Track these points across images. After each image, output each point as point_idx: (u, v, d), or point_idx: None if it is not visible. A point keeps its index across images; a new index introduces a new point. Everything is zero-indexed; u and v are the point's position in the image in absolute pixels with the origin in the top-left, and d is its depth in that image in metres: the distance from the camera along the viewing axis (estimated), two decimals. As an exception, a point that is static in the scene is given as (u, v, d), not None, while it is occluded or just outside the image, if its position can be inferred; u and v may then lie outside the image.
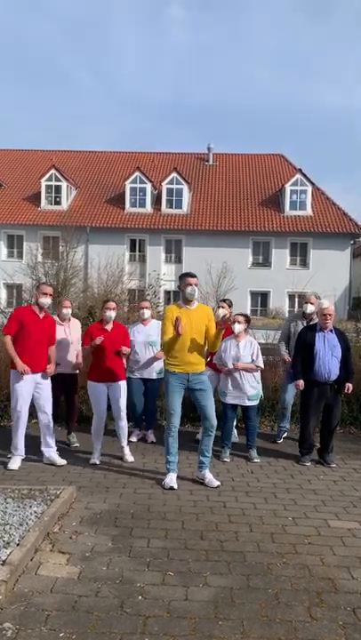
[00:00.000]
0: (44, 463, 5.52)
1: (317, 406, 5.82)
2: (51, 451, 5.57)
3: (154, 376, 6.42)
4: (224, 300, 6.66)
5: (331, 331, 5.84)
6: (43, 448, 5.59)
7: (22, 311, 5.61)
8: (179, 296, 5.16)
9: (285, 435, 6.71)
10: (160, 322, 5.56)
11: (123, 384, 5.75)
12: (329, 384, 5.77)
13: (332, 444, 5.93)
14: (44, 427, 5.58)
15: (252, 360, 5.85)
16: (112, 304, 5.77)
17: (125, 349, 5.70)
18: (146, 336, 6.39)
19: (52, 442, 5.59)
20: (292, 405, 6.69)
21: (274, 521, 4.24)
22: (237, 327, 5.88)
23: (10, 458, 5.47)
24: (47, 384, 5.57)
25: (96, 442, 5.68)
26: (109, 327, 5.72)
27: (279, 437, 6.64)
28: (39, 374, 5.49)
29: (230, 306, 6.47)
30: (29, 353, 5.38)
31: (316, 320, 6.37)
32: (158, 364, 6.34)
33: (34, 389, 5.48)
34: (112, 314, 5.72)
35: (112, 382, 5.66)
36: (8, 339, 5.39)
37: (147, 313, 6.55)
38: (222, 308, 6.34)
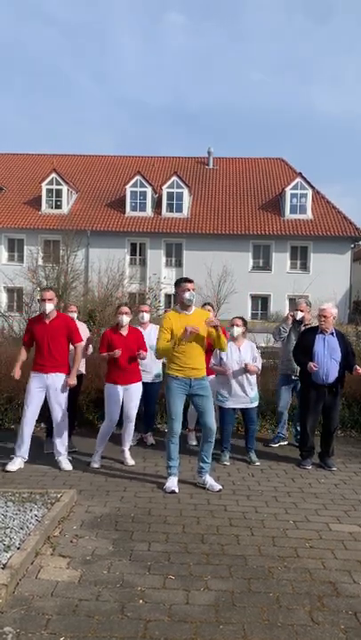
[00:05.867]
0: (44, 466, 5.51)
1: (315, 408, 5.82)
2: (58, 455, 5.56)
3: (151, 380, 6.39)
4: (209, 304, 6.82)
5: (332, 334, 5.84)
6: (54, 451, 5.60)
7: (31, 321, 5.90)
8: (176, 301, 5.13)
9: (282, 443, 6.65)
10: (158, 326, 5.56)
11: (138, 387, 5.77)
12: (327, 387, 5.76)
13: (332, 448, 5.92)
14: (54, 431, 5.58)
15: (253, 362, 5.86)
16: (125, 308, 5.74)
17: (143, 354, 5.68)
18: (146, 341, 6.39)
19: (61, 448, 5.55)
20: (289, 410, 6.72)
21: (275, 524, 4.23)
22: (236, 330, 5.87)
23: (11, 458, 5.46)
24: (60, 390, 5.53)
25: (100, 445, 5.67)
26: (124, 332, 5.71)
27: (274, 442, 6.62)
28: (51, 377, 5.48)
29: (213, 308, 6.71)
30: (39, 357, 5.52)
31: (309, 324, 6.43)
32: (157, 368, 6.37)
33: (46, 393, 5.50)
34: (125, 318, 5.69)
35: (128, 385, 5.66)
36: (21, 348, 5.76)
37: (146, 316, 6.57)
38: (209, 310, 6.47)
